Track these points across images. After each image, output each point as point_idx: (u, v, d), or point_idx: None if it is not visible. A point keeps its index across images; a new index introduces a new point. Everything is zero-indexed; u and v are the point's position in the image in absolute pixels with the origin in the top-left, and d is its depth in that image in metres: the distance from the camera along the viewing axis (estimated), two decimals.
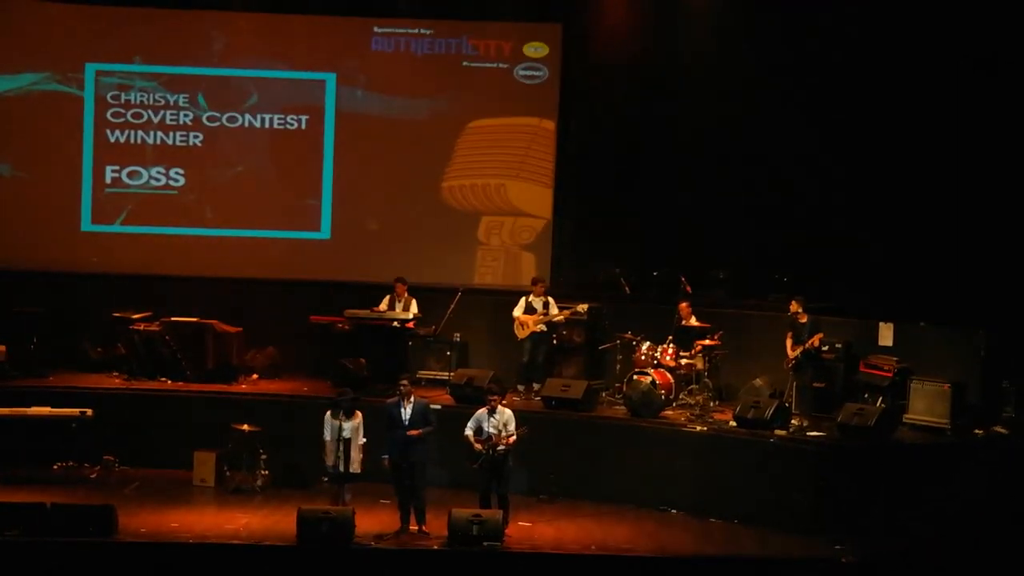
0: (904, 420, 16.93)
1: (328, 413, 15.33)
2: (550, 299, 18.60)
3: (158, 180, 20.78)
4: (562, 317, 18.57)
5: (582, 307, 18.62)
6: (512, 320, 18.64)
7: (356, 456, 15.18)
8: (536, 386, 18.32)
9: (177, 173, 20.81)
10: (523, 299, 18.62)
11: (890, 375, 17.19)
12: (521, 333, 18.56)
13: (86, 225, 20.75)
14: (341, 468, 15.12)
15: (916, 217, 18.84)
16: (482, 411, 15.35)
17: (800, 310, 17.19)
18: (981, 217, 18.32)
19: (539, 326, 18.48)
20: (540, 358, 18.62)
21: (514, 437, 15.18)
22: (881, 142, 19.14)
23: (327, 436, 15.26)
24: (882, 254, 18.97)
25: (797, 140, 19.56)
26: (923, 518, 15.44)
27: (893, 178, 19.06)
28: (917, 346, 17.52)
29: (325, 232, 20.92)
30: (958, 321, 17.35)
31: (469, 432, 15.29)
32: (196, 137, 20.80)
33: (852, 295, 18.64)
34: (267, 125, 20.83)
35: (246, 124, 20.81)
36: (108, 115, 20.69)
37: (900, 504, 15.66)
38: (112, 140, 20.72)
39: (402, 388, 15.33)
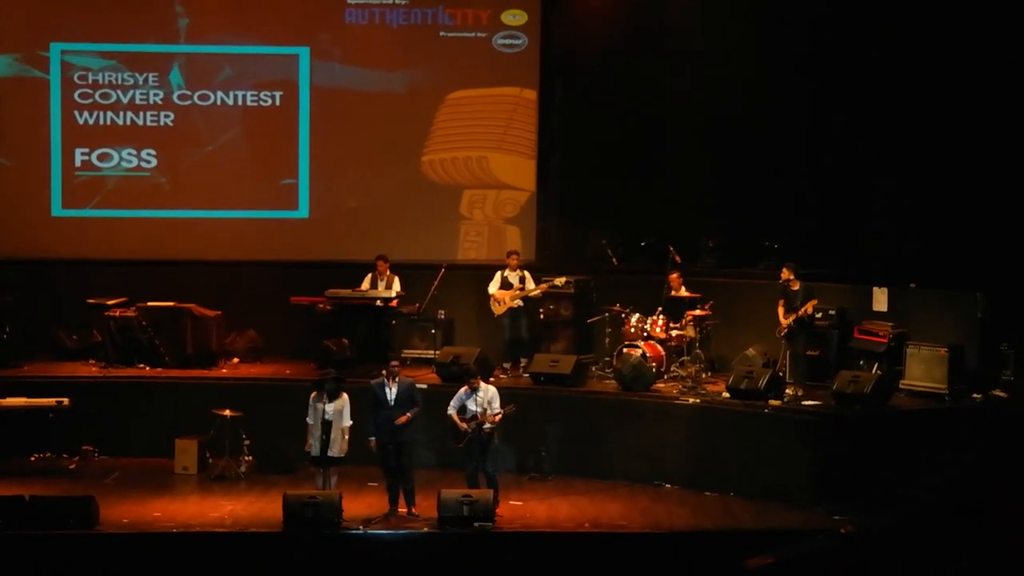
0: (901, 386, 16.83)
1: (313, 395, 15.06)
2: (526, 273, 18.38)
3: (129, 162, 20.41)
4: (539, 291, 18.25)
5: (560, 280, 18.40)
6: (488, 298, 18.38)
7: (338, 439, 14.86)
8: (524, 362, 18.03)
9: (149, 154, 20.43)
10: (498, 274, 18.40)
11: (885, 341, 17.06)
12: (498, 310, 18.34)
13: (57, 210, 20.40)
14: (318, 451, 14.81)
15: (912, 179, 18.69)
16: (464, 390, 15.20)
17: (792, 277, 16.95)
18: (978, 179, 18.17)
19: (515, 301, 18.20)
20: (523, 333, 18.41)
21: (500, 415, 14.97)
22: (875, 103, 19.03)
23: (310, 419, 14.98)
24: (877, 218, 18.81)
25: (787, 104, 19.44)
26: (922, 485, 15.27)
27: (888, 141, 18.90)
28: (913, 311, 17.40)
29: (303, 211, 20.63)
30: (954, 284, 17.21)
31: (452, 411, 15.14)
32: (167, 116, 20.41)
33: (845, 260, 18.53)
34: (240, 103, 20.45)
35: (218, 102, 20.41)
36: (76, 96, 20.29)
37: (898, 472, 15.50)
38: (81, 122, 20.34)
39: (393, 368, 15.09)
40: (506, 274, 18.33)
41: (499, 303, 18.29)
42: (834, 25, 19.24)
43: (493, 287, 18.32)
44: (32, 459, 16.92)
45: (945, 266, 17.58)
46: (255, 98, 20.43)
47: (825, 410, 16.21)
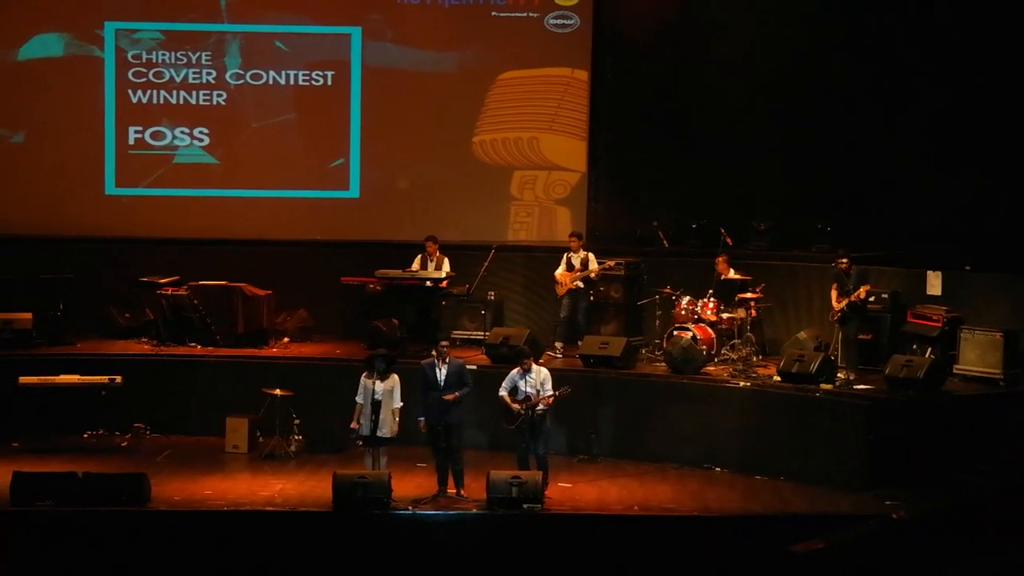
0: (954, 371, 16.64)
1: (364, 374, 15.03)
2: (590, 255, 18.25)
3: (182, 141, 20.55)
4: (594, 273, 18.17)
5: (611, 262, 18.27)
6: (553, 280, 18.34)
7: (388, 419, 14.84)
8: (581, 344, 17.91)
9: (201, 133, 20.54)
10: (564, 256, 18.29)
11: (939, 325, 16.86)
12: (559, 291, 18.28)
13: (110, 188, 20.55)
14: (368, 431, 14.79)
15: (966, 159, 18.49)
16: (516, 371, 15.10)
17: (846, 261, 16.76)
18: None
19: (575, 283, 18.10)
20: (580, 317, 18.26)
21: (552, 397, 14.88)
22: (928, 80, 18.78)
23: (359, 398, 14.95)
24: (931, 200, 18.63)
25: (839, 85, 19.32)
26: (975, 471, 15.18)
27: (941, 119, 18.70)
28: (967, 294, 17.21)
29: (354, 191, 20.66)
30: (1010, 268, 17.02)
31: (504, 393, 15.05)
32: (220, 96, 20.50)
33: (898, 243, 18.36)
34: (292, 82, 20.53)
35: (270, 81, 20.51)
36: (130, 75, 20.43)
37: (951, 457, 15.42)
38: (134, 100, 20.46)
39: (442, 349, 15.04)
40: (570, 256, 18.26)
41: (560, 285, 18.23)
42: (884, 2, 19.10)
43: (559, 271, 18.24)
44: (85, 436, 17.02)
45: (1000, 249, 17.35)
46: (307, 78, 20.48)
47: (877, 394, 16.04)
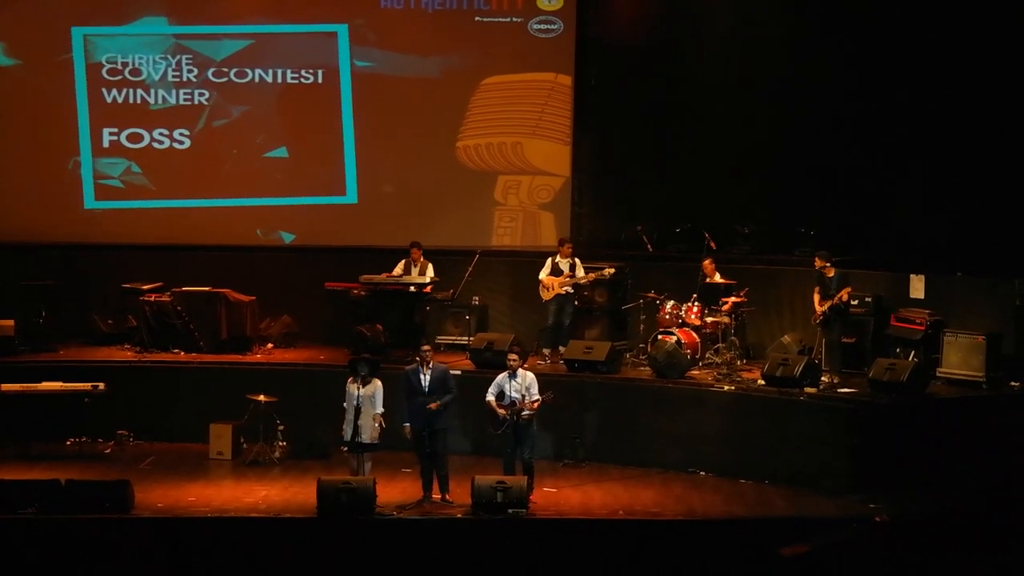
0: (938, 374, 16.68)
1: (349, 379, 15.01)
2: (577, 260, 18.25)
3: (161, 144, 20.32)
4: (587, 279, 18.16)
5: (609, 270, 18.28)
6: (538, 283, 18.28)
7: (368, 424, 14.80)
8: (563, 349, 17.93)
9: (182, 135, 20.34)
10: (549, 260, 18.29)
11: (922, 328, 16.91)
12: (546, 295, 18.25)
13: (89, 201, 20.36)
14: (349, 436, 14.78)
15: (949, 164, 18.56)
16: (503, 375, 15.08)
17: (826, 264, 16.79)
18: (1018, 163, 17.97)
19: (564, 288, 18.09)
20: (566, 321, 18.26)
21: (538, 401, 14.87)
22: (912, 86, 18.83)
23: (347, 404, 14.91)
24: (913, 204, 18.69)
25: (822, 90, 19.36)
26: (959, 474, 15.20)
27: (924, 125, 18.76)
28: (950, 298, 17.24)
29: (348, 196, 20.53)
30: (993, 271, 17.05)
31: (491, 398, 15.03)
32: (202, 95, 20.31)
33: (882, 247, 18.39)
34: (280, 80, 20.37)
35: (257, 80, 20.33)
36: (104, 73, 20.21)
37: (935, 461, 15.41)
38: (109, 101, 20.26)
39: (424, 354, 15.01)
40: (557, 260, 18.23)
41: (547, 289, 18.19)
42: (869, 7, 19.10)
43: (543, 273, 18.21)
44: (68, 443, 16.94)
45: (983, 253, 17.41)
46: (296, 76, 20.32)
47: (861, 398, 16.08)
